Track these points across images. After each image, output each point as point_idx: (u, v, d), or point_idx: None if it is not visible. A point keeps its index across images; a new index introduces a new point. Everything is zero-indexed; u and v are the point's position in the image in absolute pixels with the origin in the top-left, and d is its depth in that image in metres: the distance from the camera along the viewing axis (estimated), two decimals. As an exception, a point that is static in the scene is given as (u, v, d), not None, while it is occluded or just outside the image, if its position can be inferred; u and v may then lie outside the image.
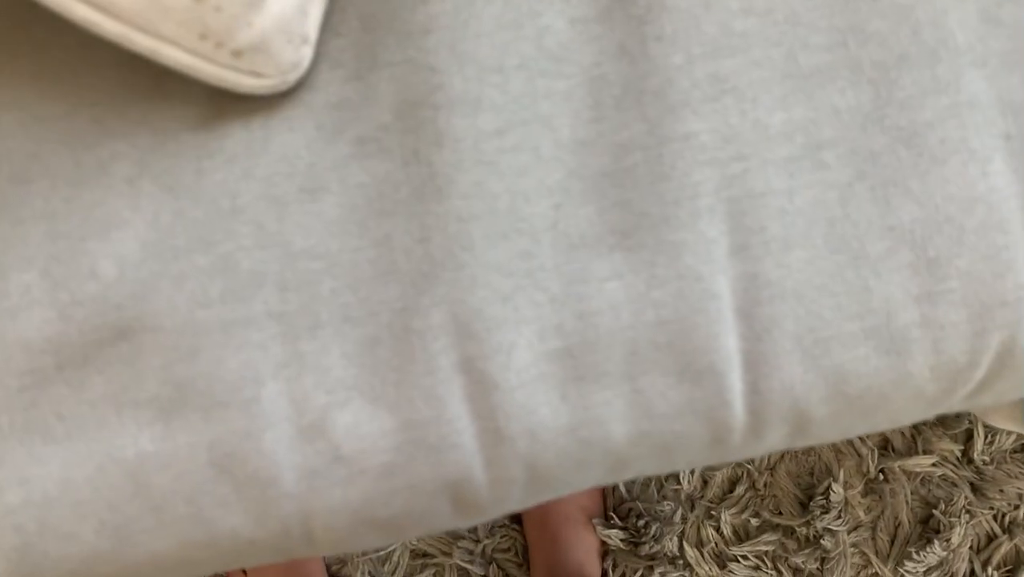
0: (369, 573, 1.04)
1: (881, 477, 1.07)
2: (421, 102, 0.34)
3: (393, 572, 1.05)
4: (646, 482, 1.06)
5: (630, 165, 0.35)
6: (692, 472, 1.06)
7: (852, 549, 1.07)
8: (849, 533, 1.06)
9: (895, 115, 0.36)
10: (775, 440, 0.38)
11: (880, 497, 1.07)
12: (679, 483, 1.05)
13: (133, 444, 0.34)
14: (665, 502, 1.05)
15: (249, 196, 0.34)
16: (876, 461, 1.07)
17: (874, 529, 1.08)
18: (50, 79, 0.34)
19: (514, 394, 0.35)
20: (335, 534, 0.36)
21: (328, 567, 1.04)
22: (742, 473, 1.07)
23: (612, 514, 1.05)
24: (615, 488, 1.06)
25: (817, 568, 1.06)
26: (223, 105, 0.35)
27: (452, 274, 0.34)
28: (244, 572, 1.00)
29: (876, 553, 1.08)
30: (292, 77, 0.34)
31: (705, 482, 1.06)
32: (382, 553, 1.04)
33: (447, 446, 0.35)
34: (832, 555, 1.06)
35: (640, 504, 1.05)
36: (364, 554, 1.04)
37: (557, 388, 0.35)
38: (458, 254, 0.34)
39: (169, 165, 0.34)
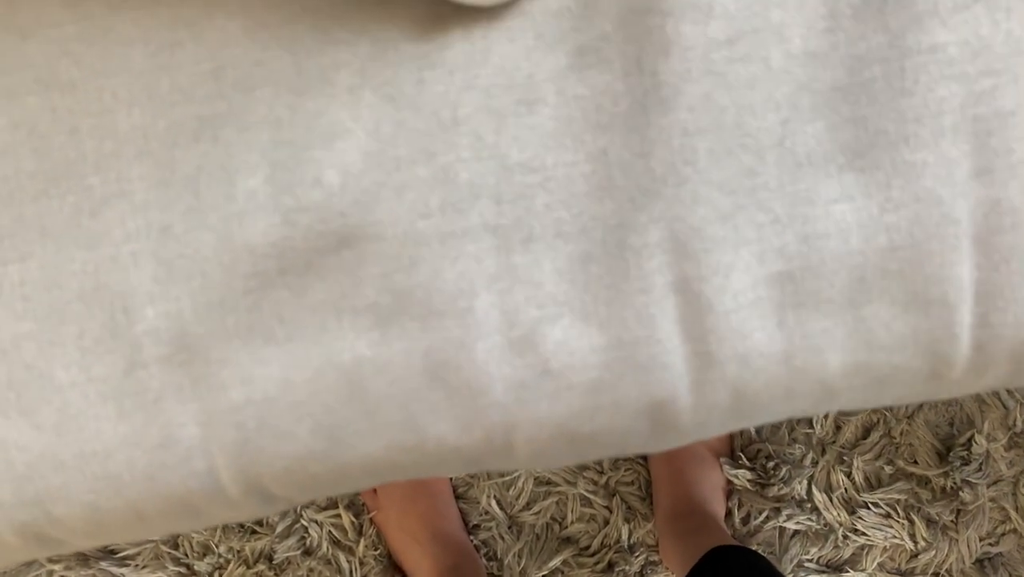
0: (495, 497, 1.06)
1: (1028, 432, 1.02)
2: (648, 9, 0.33)
3: (517, 497, 1.07)
4: (776, 425, 1.04)
5: (867, 79, 0.33)
6: (826, 417, 1.03)
7: (991, 504, 1.03)
8: (989, 487, 1.02)
9: None
10: (994, 378, 0.36)
11: (1026, 452, 1.02)
12: (811, 427, 1.03)
13: (351, 349, 0.35)
14: (796, 445, 1.03)
15: (469, 108, 0.34)
16: (1023, 415, 1.01)
17: (1016, 484, 1.03)
18: (269, -13, 0.35)
19: (729, 317, 0.34)
20: (534, 447, 0.37)
21: (455, 488, 1.07)
22: (878, 420, 1.03)
23: (740, 454, 1.03)
24: (743, 429, 1.05)
25: (952, 520, 1.03)
26: (444, 15, 0.34)
27: (673, 190, 0.33)
28: (374, 490, 1.04)
29: (1016, 509, 1.03)
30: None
31: (838, 427, 1.03)
32: (507, 478, 1.07)
33: (656, 366, 0.35)
34: (970, 508, 1.02)
35: (770, 446, 1.04)
36: (490, 478, 1.07)
37: (774, 313, 0.34)
38: (681, 169, 0.33)
39: (390, 75, 0.34)
